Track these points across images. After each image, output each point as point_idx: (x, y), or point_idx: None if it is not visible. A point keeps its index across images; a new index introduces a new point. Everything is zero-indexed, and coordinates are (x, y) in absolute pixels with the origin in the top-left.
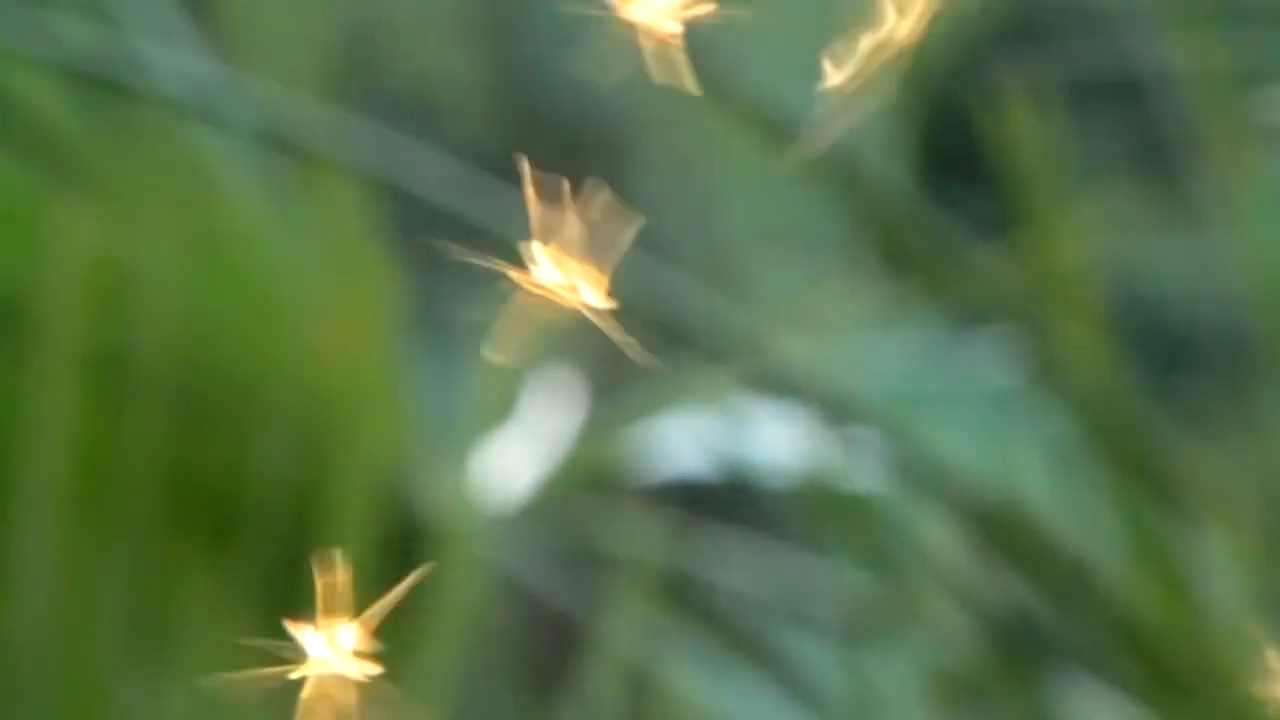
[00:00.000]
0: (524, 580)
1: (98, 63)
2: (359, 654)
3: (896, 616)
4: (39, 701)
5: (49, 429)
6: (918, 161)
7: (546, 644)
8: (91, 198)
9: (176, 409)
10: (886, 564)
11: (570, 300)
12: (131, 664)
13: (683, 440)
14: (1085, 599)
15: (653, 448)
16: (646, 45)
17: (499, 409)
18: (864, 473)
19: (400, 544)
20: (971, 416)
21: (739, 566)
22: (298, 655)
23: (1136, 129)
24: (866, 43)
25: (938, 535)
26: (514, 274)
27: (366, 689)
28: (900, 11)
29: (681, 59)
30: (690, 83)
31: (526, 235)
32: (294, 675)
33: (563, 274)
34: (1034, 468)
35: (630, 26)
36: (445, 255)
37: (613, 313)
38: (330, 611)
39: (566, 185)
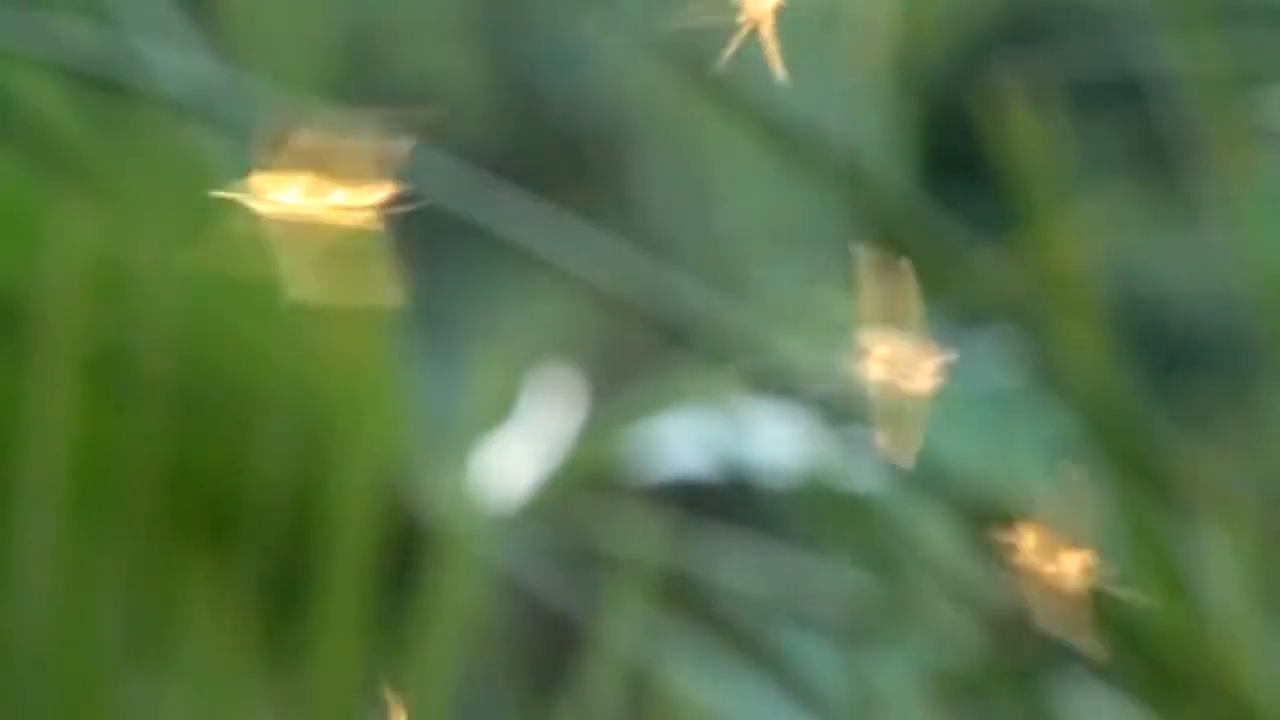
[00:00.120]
0: (524, 580)
1: (98, 63)
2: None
3: (896, 616)
4: (39, 701)
5: (49, 429)
6: (918, 161)
7: (546, 644)
8: (91, 198)
9: (176, 409)
10: (886, 564)
11: (329, 223)
12: (131, 664)
13: (683, 440)
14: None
15: (653, 448)
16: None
17: (499, 409)
18: (864, 473)
19: (400, 544)
20: (971, 416)
21: (739, 566)
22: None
23: (1136, 129)
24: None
25: (938, 535)
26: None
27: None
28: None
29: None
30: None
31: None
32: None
33: (317, 199)
34: (1034, 468)
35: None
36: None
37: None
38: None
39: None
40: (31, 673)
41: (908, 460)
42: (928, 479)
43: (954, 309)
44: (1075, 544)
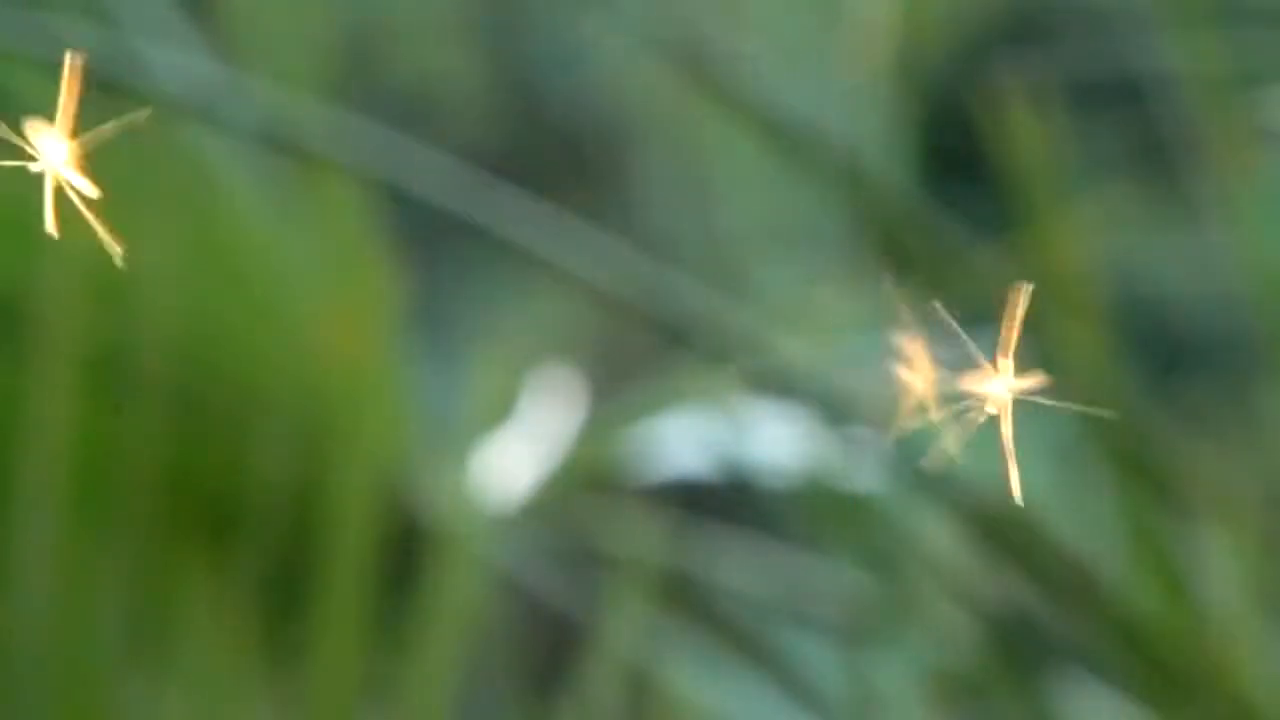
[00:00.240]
0: (524, 580)
1: (98, 63)
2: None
3: (896, 616)
4: (39, 701)
5: (49, 429)
6: (918, 161)
7: (546, 644)
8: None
9: (176, 409)
10: (886, 564)
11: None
12: (131, 664)
13: (683, 440)
14: (1085, 599)
15: (653, 448)
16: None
17: (499, 409)
18: (864, 473)
19: (400, 544)
20: None
21: (739, 566)
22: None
23: (1136, 129)
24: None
25: (938, 535)
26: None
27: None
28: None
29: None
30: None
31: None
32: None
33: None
34: (1034, 468)
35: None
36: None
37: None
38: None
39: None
40: (31, 673)
41: (932, 463)
42: (928, 479)
43: (954, 309)
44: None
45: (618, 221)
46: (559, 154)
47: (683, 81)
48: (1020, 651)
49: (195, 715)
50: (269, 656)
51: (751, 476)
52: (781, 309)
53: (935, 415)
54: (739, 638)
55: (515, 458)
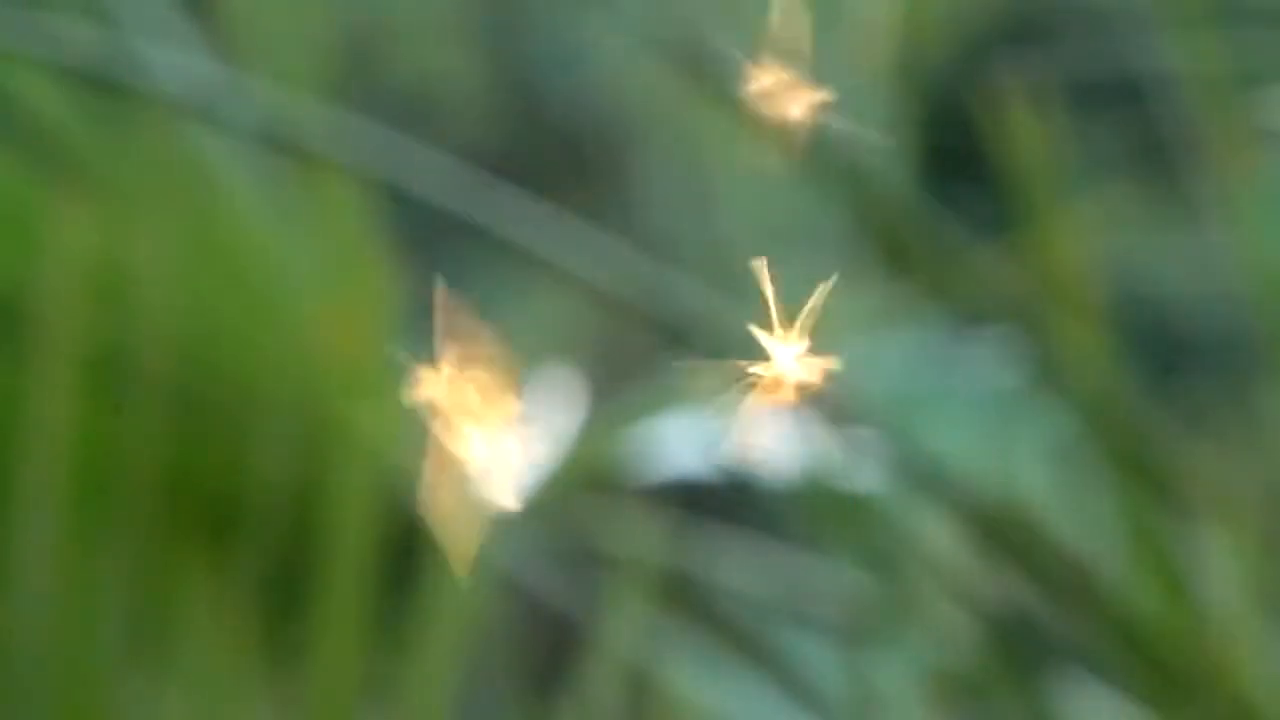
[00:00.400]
0: (524, 580)
1: (98, 63)
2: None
3: (896, 616)
4: (39, 701)
5: (49, 429)
6: (918, 161)
7: (546, 644)
8: (91, 198)
9: (176, 409)
10: (886, 564)
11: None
12: (131, 664)
13: (683, 440)
14: (1085, 599)
15: (653, 448)
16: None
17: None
18: (864, 473)
19: (400, 544)
20: (971, 416)
21: (739, 566)
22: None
23: (1136, 129)
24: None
25: (938, 535)
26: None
27: None
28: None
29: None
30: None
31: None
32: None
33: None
34: (1034, 468)
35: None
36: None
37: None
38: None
39: None
40: (31, 673)
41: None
42: (928, 479)
43: (954, 309)
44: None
45: (618, 221)
46: (559, 154)
47: (683, 81)
48: (1020, 651)
49: (195, 715)
50: (269, 656)
51: (751, 476)
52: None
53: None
54: (739, 638)
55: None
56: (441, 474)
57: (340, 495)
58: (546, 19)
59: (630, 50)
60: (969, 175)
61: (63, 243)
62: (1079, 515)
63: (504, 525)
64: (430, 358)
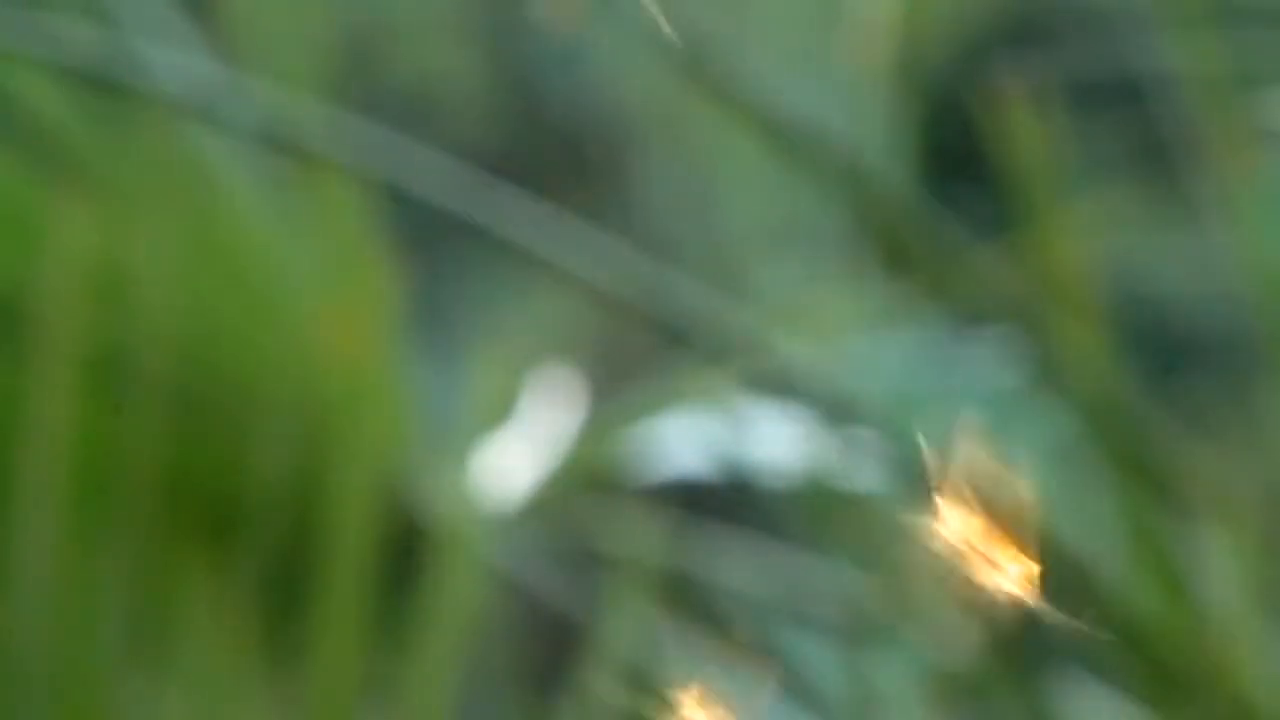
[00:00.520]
0: (524, 580)
1: (98, 63)
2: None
3: (896, 616)
4: (39, 701)
5: (49, 429)
6: (918, 161)
7: (546, 644)
8: (91, 198)
9: (176, 409)
10: (886, 564)
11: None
12: (131, 664)
13: (683, 440)
14: (1085, 599)
15: (653, 448)
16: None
17: (499, 409)
18: (864, 473)
19: (400, 544)
20: (971, 416)
21: (739, 566)
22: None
23: (1136, 129)
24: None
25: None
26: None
27: None
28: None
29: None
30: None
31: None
32: None
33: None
34: (1034, 468)
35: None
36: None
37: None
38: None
39: None
40: (31, 673)
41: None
42: (927, 479)
43: (954, 309)
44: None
45: (618, 221)
46: (559, 154)
47: (683, 81)
48: (1020, 651)
49: (195, 715)
50: (269, 656)
51: (751, 476)
52: (781, 309)
53: None
54: (739, 638)
55: (515, 458)
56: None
57: (340, 495)
58: (546, 19)
59: (630, 50)
60: (969, 175)
61: (63, 243)
62: (1079, 515)
63: (504, 525)
64: None
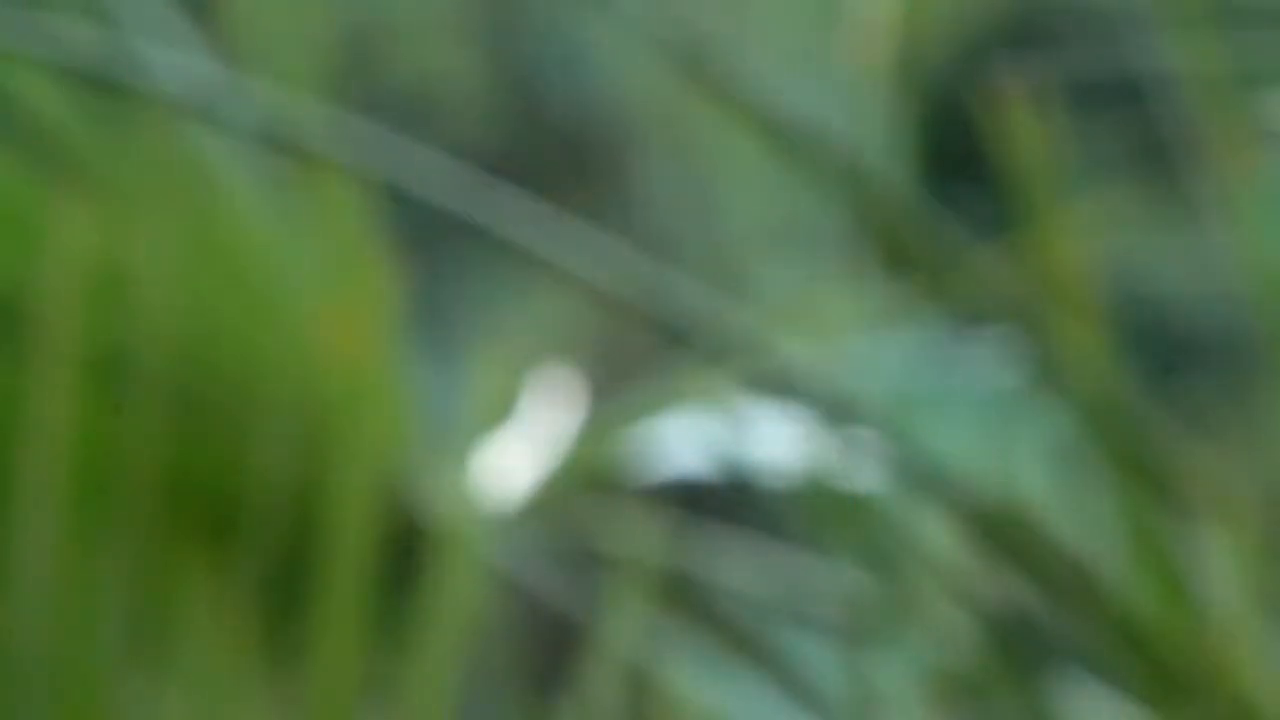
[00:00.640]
0: (524, 580)
1: (98, 63)
2: None
3: (896, 616)
4: (39, 701)
5: (49, 429)
6: (918, 161)
7: (546, 644)
8: (91, 198)
9: (176, 409)
10: (886, 564)
11: None
12: (131, 664)
13: (683, 440)
14: (1085, 599)
15: (653, 448)
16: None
17: (499, 409)
18: (864, 473)
19: (400, 544)
20: (971, 416)
21: (739, 566)
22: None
23: (1136, 129)
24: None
25: (938, 535)
26: None
27: None
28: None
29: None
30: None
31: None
32: None
33: None
34: (1034, 468)
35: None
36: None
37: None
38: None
39: None
40: (31, 673)
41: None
42: (928, 479)
43: (954, 309)
44: None
45: (618, 221)
46: (559, 154)
47: (683, 81)
48: (1020, 651)
49: (195, 715)
50: (269, 656)
51: (751, 476)
52: (781, 309)
53: None
54: (739, 638)
55: (515, 458)
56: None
57: (340, 495)
58: (546, 19)
59: (630, 50)
60: (969, 175)
61: (63, 243)
62: (1079, 515)
63: (504, 525)
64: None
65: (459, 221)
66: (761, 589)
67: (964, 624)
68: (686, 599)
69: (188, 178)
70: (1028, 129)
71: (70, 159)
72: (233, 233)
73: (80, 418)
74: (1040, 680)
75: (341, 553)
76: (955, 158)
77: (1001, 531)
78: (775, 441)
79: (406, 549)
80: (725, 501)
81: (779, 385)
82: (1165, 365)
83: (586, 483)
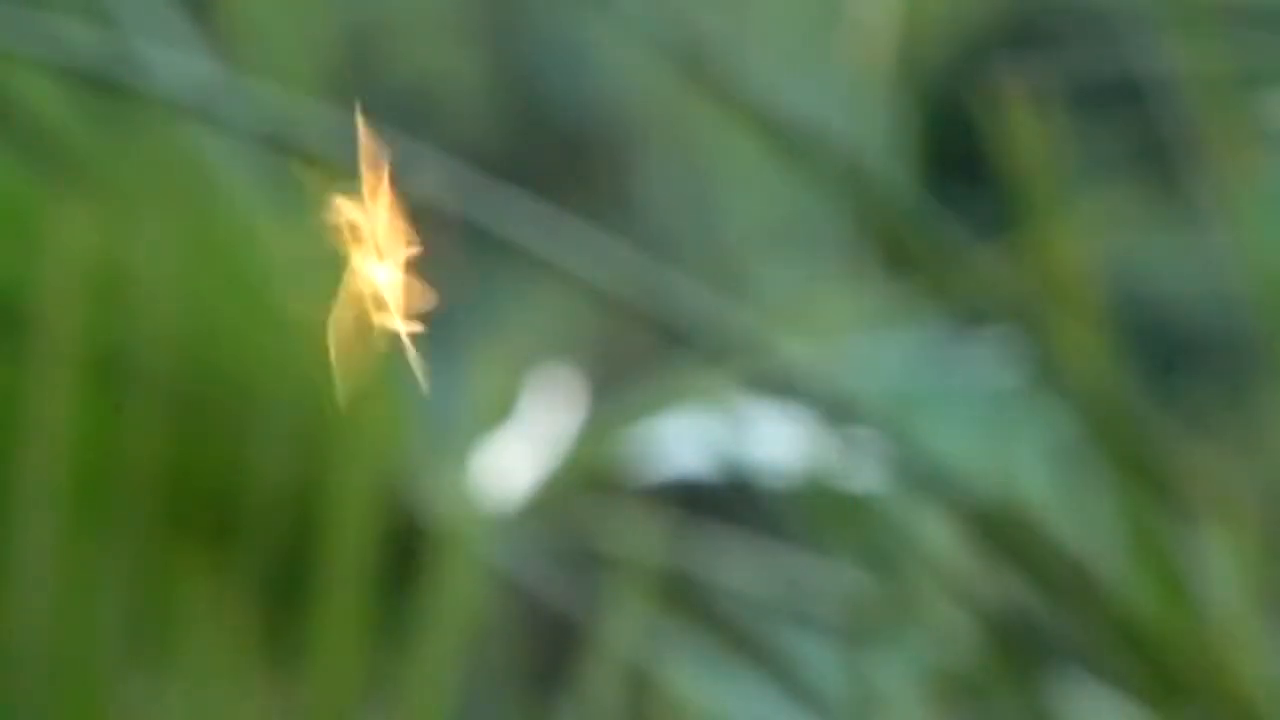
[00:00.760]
0: (524, 580)
1: (98, 63)
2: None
3: (896, 616)
4: (39, 701)
5: (49, 429)
6: (918, 161)
7: (546, 644)
8: (91, 198)
9: (176, 409)
10: (886, 564)
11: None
12: (131, 664)
13: (683, 440)
14: (1085, 599)
15: (653, 448)
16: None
17: (499, 409)
18: (864, 473)
19: (400, 544)
20: (971, 416)
21: (739, 566)
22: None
23: (1136, 130)
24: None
25: (938, 535)
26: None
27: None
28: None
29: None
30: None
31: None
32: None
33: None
34: (1034, 468)
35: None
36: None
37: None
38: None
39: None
40: (31, 673)
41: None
42: (928, 479)
43: (954, 309)
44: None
45: (618, 221)
46: (559, 154)
47: (683, 81)
48: (1020, 651)
49: (195, 715)
50: (269, 656)
51: (751, 476)
52: (781, 309)
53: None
54: (739, 638)
55: (515, 458)
56: (348, 300)
57: (340, 495)
58: (546, 19)
59: (630, 50)
60: (969, 175)
61: (63, 243)
62: (1079, 515)
63: (504, 525)
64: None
65: (459, 221)
66: (761, 589)
67: (964, 624)
68: (686, 599)
69: (188, 178)
70: (1028, 129)
71: (70, 159)
72: (233, 233)
73: (80, 418)
74: (1040, 680)
75: (342, 553)
76: (955, 158)
77: (1001, 531)
78: (775, 441)
79: (406, 549)
80: (725, 501)
81: (779, 385)
82: (1165, 365)
83: (586, 483)
